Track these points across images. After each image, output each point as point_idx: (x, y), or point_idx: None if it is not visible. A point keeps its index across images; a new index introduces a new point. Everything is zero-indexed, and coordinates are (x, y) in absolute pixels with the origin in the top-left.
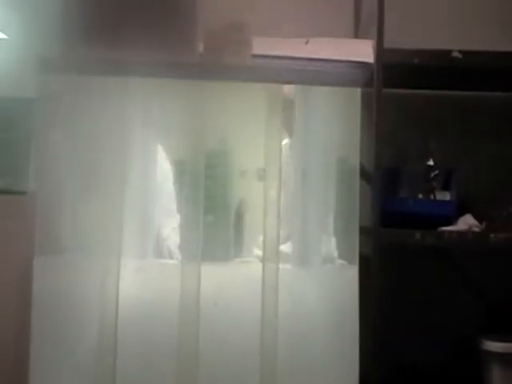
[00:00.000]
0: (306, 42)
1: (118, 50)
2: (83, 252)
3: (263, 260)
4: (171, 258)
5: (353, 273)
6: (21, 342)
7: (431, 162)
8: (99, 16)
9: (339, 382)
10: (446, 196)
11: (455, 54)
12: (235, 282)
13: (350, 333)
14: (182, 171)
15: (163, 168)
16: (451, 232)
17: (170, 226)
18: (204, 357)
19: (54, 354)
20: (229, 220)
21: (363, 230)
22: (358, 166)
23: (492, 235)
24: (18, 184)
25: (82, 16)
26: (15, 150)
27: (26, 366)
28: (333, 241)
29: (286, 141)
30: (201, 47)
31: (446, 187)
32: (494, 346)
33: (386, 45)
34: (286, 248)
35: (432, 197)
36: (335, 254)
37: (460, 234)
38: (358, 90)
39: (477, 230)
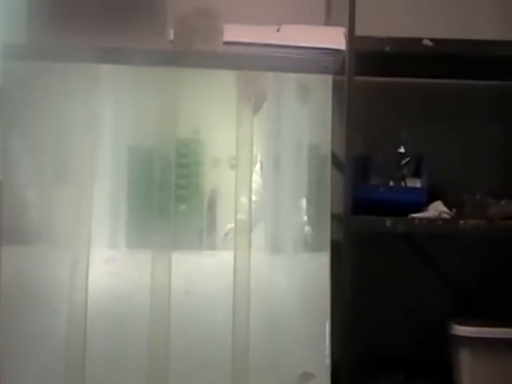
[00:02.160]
0: (278, 30)
1: (86, 37)
2: (52, 242)
3: (235, 248)
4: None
5: (324, 260)
6: None
7: (402, 150)
8: (66, 1)
9: (310, 368)
10: (416, 183)
11: (426, 42)
12: (207, 270)
13: (321, 319)
14: (153, 159)
15: (134, 156)
16: (421, 219)
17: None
18: (175, 345)
19: (22, 345)
20: (201, 209)
21: (335, 217)
22: (329, 154)
23: (461, 222)
24: None
25: (49, 1)
26: None
27: None
28: (305, 228)
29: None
30: (171, 34)
31: (416, 174)
32: (462, 330)
33: (358, 32)
34: (257, 235)
35: (403, 184)
36: (307, 240)
37: (430, 220)
38: (330, 77)
39: (447, 216)
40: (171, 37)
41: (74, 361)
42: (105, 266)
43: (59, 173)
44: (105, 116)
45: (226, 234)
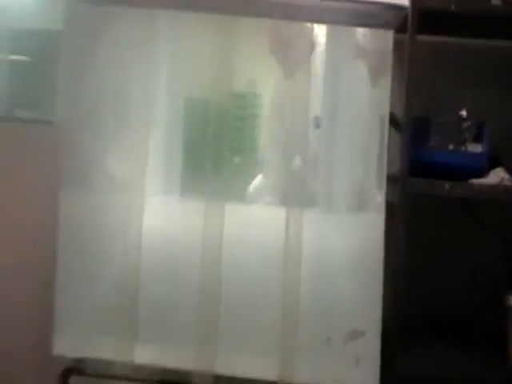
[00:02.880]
0: None
1: None
2: (108, 186)
3: (287, 204)
4: None
5: (379, 220)
6: (47, 274)
7: (464, 113)
8: None
9: (360, 326)
10: (477, 148)
11: (494, 2)
12: (259, 223)
13: (374, 279)
14: (208, 110)
15: (189, 105)
16: (482, 185)
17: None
18: (226, 294)
19: (78, 285)
20: (254, 162)
21: (391, 178)
22: (387, 113)
23: None
24: (44, 114)
25: None
26: (42, 81)
27: (52, 297)
28: (360, 187)
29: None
30: None
31: (478, 139)
32: None
33: None
34: (310, 192)
35: (463, 148)
36: (362, 200)
37: (490, 186)
38: (391, 33)
39: (508, 183)
40: None
41: (127, 302)
42: (159, 211)
43: (116, 118)
44: (161, 63)
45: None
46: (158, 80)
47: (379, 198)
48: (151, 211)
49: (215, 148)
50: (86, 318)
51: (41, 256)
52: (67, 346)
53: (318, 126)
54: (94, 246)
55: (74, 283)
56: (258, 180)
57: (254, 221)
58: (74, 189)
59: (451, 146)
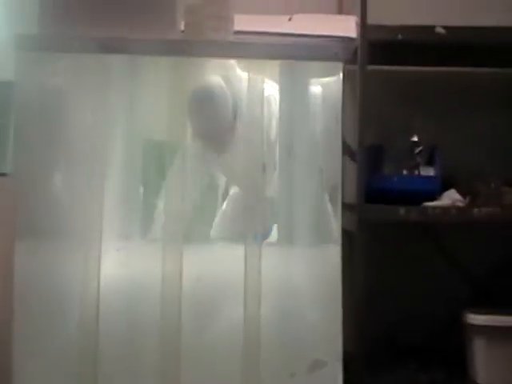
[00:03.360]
0: (289, 19)
1: (98, 28)
2: (64, 234)
3: (245, 241)
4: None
5: (336, 249)
6: (3, 325)
7: (415, 138)
8: None
9: (322, 356)
10: (430, 172)
11: (438, 30)
12: (218, 260)
13: (333, 308)
14: (165, 152)
15: (146, 148)
16: (435, 207)
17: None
18: (187, 333)
19: (35, 334)
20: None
21: (347, 207)
22: (340, 143)
23: (475, 210)
24: None
25: None
26: None
27: (9, 347)
28: (316, 218)
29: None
30: (181, 24)
31: (430, 163)
32: (477, 319)
33: (370, 21)
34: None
35: (416, 173)
36: (319, 231)
37: (444, 209)
38: (340, 65)
39: (460, 204)
40: (181, 27)
41: (87, 350)
42: (117, 255)
43: (71, 164)
44: (116, 107)
45: None
46: (114, 124)
47: (335, 227)
48: (109, 256)
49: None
50: (44, 369)
51: None
52: None
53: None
54: (51, 297)
55: (31, 333)
56: (216, 219)
57: (213, 260)
58: (30, 239)
59: (405, 171)
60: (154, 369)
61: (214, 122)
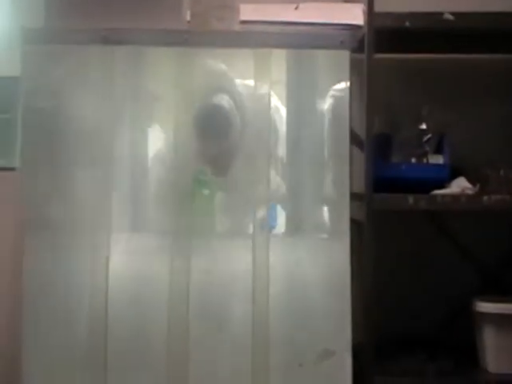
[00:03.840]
0: (296, 8)
1: (104, 19)
2: (73, 227)
3: (254, 229)
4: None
5: (344, 239)
6: (12, 320)
7: (424, 126)
8: None
9: (331, 345)
10: (439, 159)
11: (447, 16)
12: (227, 252)
13: (342, 297)
14: (171, 143)
15: (153, 139)
16: (444, 195)
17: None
18: (195, 327)
19: (44, 330)
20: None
21: (355, 196)
22: (348, 132)
23: (485, 197)
24: (6, 160)
25: None
26: (5, 127)
27: (19, 341)
28: (324, 207)
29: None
30: (187, 15)
31: (438, 151)
32: (487, 307)
33: (377, 9)
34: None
35: (425, 161)
36: (326, 220)
37: (453, 197)
38: (347, 53)
39: (470, 192)
40: (188, 18)
41: (95, 342)
42: (125, 247)
43: (79, 157)
44: (123, 98)
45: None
46: (120, 116)
47: (344, 217)
48: (117, 249)
49: (182, 182)
50: (52, 361)
51: (4, 302)
52: None
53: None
54: (60, 290)
55: (39, 328)
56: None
57: (221, 252)
58: (39, 234)
59: (413, 160)
60: (163, 360)
61: (218, 144)
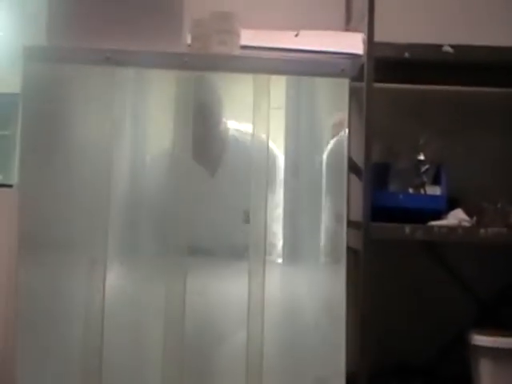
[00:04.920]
0: (296, 35)
1: (106, 40)
2: (69, 246)
3: (249, 254)
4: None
5: (341, 268)
6: (7, 338)
7: (421, 157)
8: (85, 5)
9: (325, 374)
10: (436, 190)
11: (446, 49)
12: (223, 277)
13: (337, 326)
14: (170, 163)
15: (151, 160)
16: (441, 226)
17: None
18: (190, 347)
19: (39, 349)
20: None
21: (353, 225)
22: (346, 160)
23: (482, 230)
24: (4, 176)
25: (69, 7)
26: (4, 144)
27: (13, 359)
28: (321, 234)
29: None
30: (188, 38)
31: (436, 182)
32: (483, 340)
33: (377, 38)
34: (272, 245)
35: (422, 191)
36: (323, 247)
37: (450, 228)
38: (347, 81)
39: (467, 224)
40: (188, 41)
41: (90, 363)
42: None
43: (77, 176)
44: (122, 119)
45: None
46: (120, 136)
47: (341, 245)
48: (113, 269)
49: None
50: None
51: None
52: None
53: (247, 221)
54: (55, 309)
55: (35, 348)
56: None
57: (217, 275)
58: (34, 251)
59: (411, 190)
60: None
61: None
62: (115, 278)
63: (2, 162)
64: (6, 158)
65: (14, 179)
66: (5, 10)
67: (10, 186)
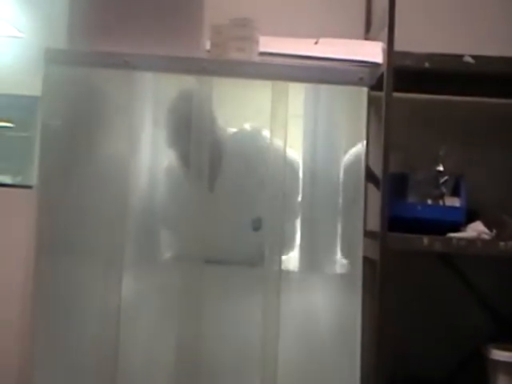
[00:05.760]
0: (316, 42)
1: (125, 45)
2: (87, 249)
3: (266, 263)
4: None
5: (357, 277)
6: (23, 340)
7: (441, 168)
8: (107, 11)
9: None
10: (455, 202)
11: (467, 59)
12: (238, 283)
13: (352, 339)
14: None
15: (169, 164)
16: (460, 239)
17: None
18: (205, 358)
19: (56, 349)
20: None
21: (370, 235)
22: (363, 170)
23: (502, 243)
24: (24, 178)
25: (90, 11)
26: (24, 145)
27: (29, 363)
28: (337, 244)
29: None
30: (207, 44)
31: (455, 193)
32: (501, 355)
33: (397, 48)
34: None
35: (441, 203)
36: (339, 257)
37: (469, 241)
38: (365, 90)
39: (486, 237)
40: (207, 47)
41: (106, 364)
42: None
43: (95, 180)
44: (141, 123)
45: None
46: (139, 140)
47: (357, 256)
48: (129, 280)
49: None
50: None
51: (16, 318)
52: None
53: (257, 228)
54: (70, 313)
55: (50, 350)
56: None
57: (233, 284)
58: (52, 253)
59: (429, 201)
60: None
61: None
62: (131, 281)
63: (22, 164)
64: (26, 160)
65: (34, 181)
66: (26, 13)
67: (29, 187)
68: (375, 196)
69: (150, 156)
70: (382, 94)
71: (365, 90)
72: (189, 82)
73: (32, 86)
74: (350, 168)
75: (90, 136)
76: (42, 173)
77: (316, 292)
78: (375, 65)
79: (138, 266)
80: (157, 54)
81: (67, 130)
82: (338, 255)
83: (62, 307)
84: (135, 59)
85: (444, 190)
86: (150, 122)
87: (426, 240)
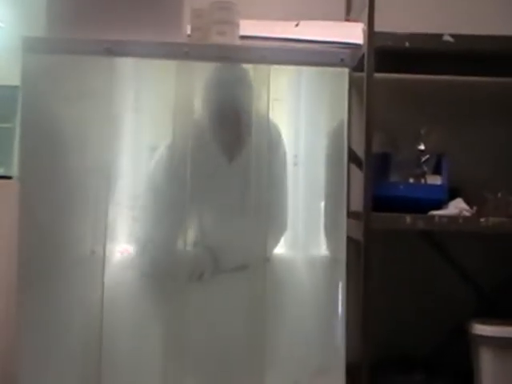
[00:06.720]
0: (296, 25)
1: (105, 31)
2: (69, 237)
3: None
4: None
5: (341, 257)
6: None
7: (422, 147)
8: None
9: (325, 364)
10: (436, 180)
11: (446, 38)
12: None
13: (338, 316)
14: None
15: (151, 150)
16: (442, 216)
17: None
18: (191, 347)
19: (41, 342)
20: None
21: (353, 215)
22: (346, 151)
23: (482, 219)
24: (5, 169)
25: None
26: (5, 137)
27: (15, 359)
28: (320, 225)
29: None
30: (188, 28)
31: (437, 171)
32: (484, 329)
33: (377, 28)
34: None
35: (423, 181)
36: (323, 238)
37: (450, 218)
38: (346, 72)
39: (467, 214)
40: (188, 31)
41: (90, 354)
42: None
43: (76, 168)
44: (122, 110)
45: None
46: (120, 128)
47: (340, 236)
48: (113, 260)
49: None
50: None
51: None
52: None
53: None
54: (55, 305)
55: (34, 338)
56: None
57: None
58: (35, 244)
59: (411, 180)
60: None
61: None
62: (114, 269)
63: (4, 155)
64: (7, 151)
65: (13, 171)
66: (4, 2)
67: (9, 177)
68: (358, 176)
69: (132, 142)
70: (363, 74)
71: (346, 71)
72: (170, 67)
73: (12, 76)
74: (333, 149)
75: (71, 124)
76: (22, 163)
77: (301, 273)
78: (356, 46)
79: (123, 254)
80: (137, 39)
81: (47, 119)
82: (322, 236)
83: (45, 299)
84: (115, 45)
85: (426, 168)
86: (131, 109)
87: (408, 218)
